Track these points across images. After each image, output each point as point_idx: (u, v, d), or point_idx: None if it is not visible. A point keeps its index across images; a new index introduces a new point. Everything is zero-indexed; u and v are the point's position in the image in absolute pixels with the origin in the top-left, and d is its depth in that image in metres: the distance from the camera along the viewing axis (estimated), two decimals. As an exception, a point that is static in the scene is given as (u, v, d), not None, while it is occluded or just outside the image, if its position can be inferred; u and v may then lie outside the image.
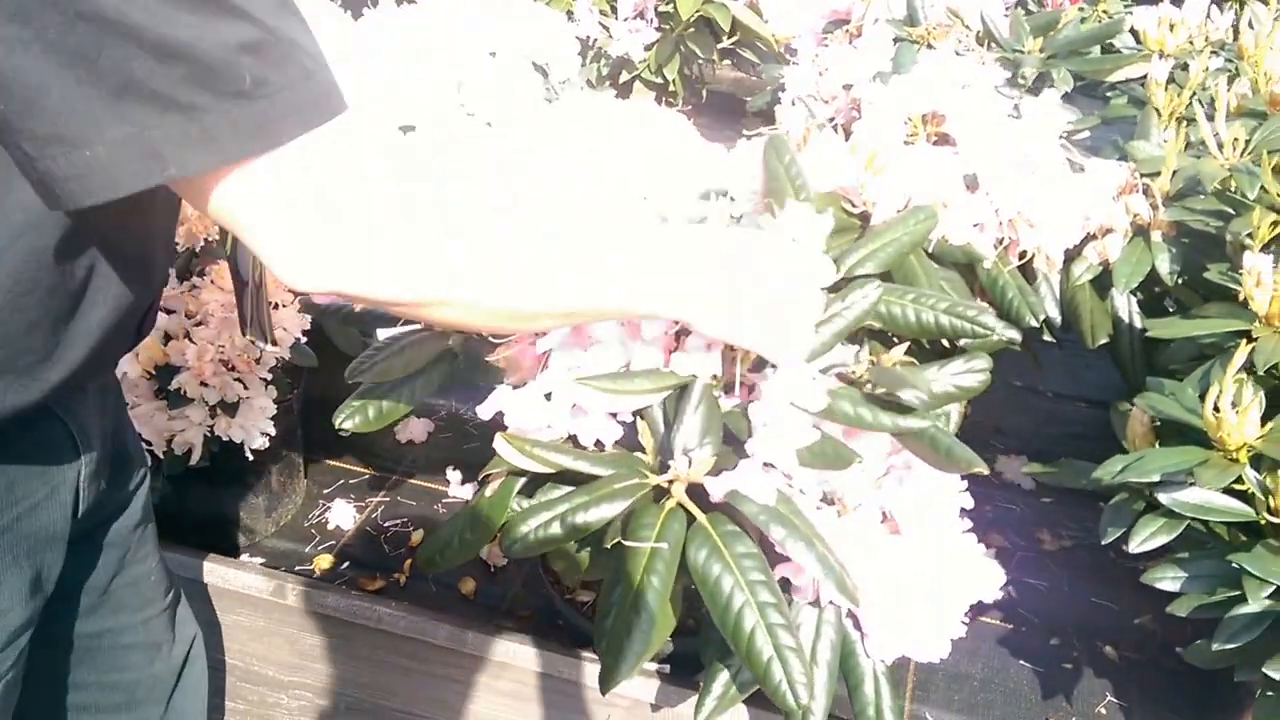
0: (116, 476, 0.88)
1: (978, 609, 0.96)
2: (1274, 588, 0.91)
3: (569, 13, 2.37)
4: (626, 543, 0.85)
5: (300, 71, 0.57)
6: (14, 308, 0.65)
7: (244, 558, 1.49)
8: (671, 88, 2.45)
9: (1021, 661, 1.39)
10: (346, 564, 1.51)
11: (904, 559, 0.92)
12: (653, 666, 1.24)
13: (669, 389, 0.90)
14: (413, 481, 1.67)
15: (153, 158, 0.54)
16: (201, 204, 0.59)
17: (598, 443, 0.91)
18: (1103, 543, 1.04)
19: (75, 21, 0.51)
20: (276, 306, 1.35)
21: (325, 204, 0.60)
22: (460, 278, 0.68)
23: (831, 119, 1.56)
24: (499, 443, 0.90)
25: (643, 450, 0.94)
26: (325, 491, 1.64)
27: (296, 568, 1.48)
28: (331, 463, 1.69)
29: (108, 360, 0.80)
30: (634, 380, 0.88)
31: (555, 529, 0.86)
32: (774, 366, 0.89)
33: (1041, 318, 1.28)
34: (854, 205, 1.28)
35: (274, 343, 1.32)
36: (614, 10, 2.40)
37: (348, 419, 0.99)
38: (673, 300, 0.81)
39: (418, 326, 1.03)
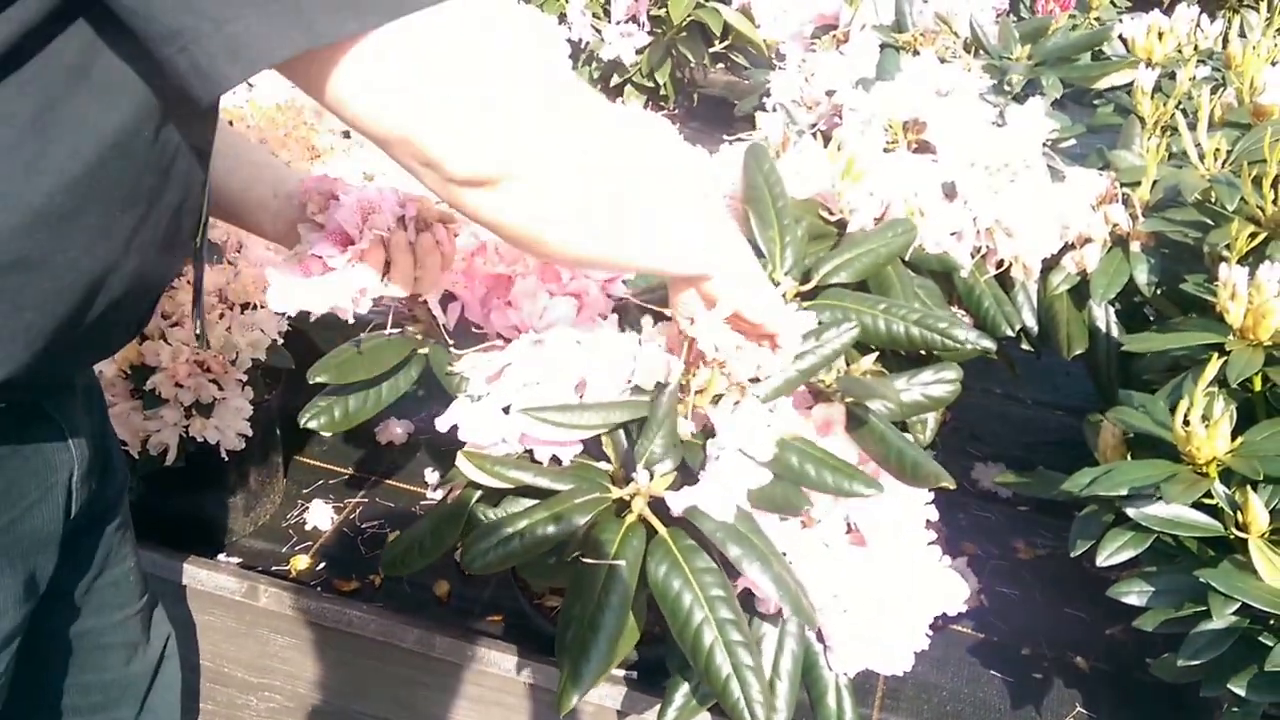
0: (102, 477, 0.88)
1: (949, 617, 0.96)
2: (1239, 604, 0.90)
3: (562, 16, 2.37)
4: (585, 560, 0.85)
5: None
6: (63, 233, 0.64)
7: (221, 558, 1.48)
8: (663, 91, 2.45)
9: (991, 671, 1.38)
10: (323, 565, 1.50)
11: (868, 571, 0.92)
12: (620, 673, 1.24)
13: (618, 424, 0.89)
14: (391, 483, 1.67)
15: (302, 27, 0.54)
16: (326, 79, 0.58)
17: (556, 458, 0.90)
18: (1072, 555, 1.03)
19: None
20: (245, 309, 1.35)
21: (461, 70, 0.60)
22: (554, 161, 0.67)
23: (814, 125, 1.56)
24: (460, 460, 0.89)
25: (607, 459, 0.93)
26: (304, 492, 1.64)
27: (273, 568, 1.48)
28: (311, 463, 1.69)
29: (110, 342, 0.79)
30: (583, 414, 0.87)
31: (515, 545, 0.86)
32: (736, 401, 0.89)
33: (1018, 327, 1.28)
34: (831, 212, 1.28)
35: (208, 345, 1.32)
36: (607, 14, 2.40)
37: (313, 419, 0.98)
38: (719, 254, 0.83)
39: (387, 330, 1.03)
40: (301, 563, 1.50)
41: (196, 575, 1.35)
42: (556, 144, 0.66)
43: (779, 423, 0.90)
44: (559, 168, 0.67)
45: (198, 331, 0.92)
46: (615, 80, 2.41)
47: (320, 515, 1.59)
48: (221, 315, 1.33)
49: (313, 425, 0.97)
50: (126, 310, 0.75)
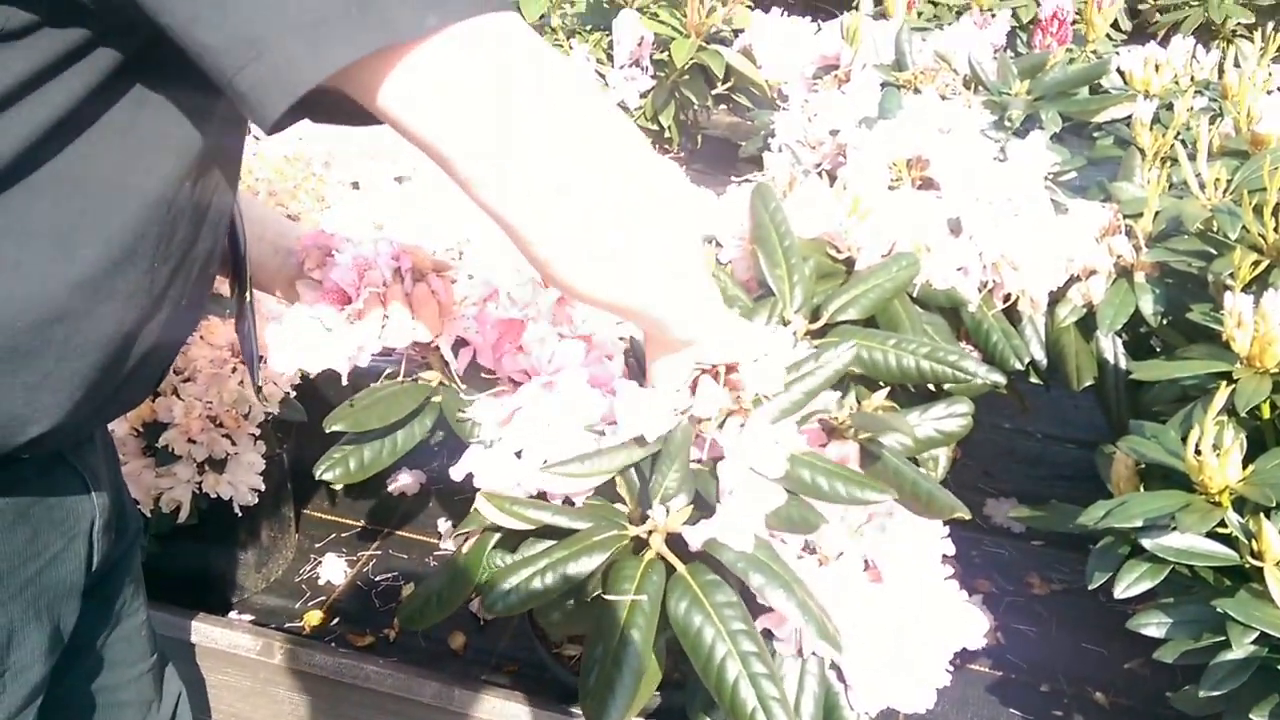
0: (118, 529, 0.89)
1: (966, 656, 0.96)
2: (1258, 633, 0.90)
3: (564, 61, 2.39)
4: (606, 596, 0.85)
5: None
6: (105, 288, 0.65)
7: (233, 615, 1.48)
8: (667, 134, 2.47)
9: (1011, 709, 1.37)
10: (337, 620, 1.50)
11: (887, 608, 0.92)
12: (640, 720, 1.24)
13: (635, 463, 0.90)
14: (404, 534, 1.67)
15: (384, 25, 0.54)
16: (394, 95, 0.58)
17: (569, 499, 0.91)
18: (1089, 588, 1.03)
19: None
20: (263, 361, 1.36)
21: (508, 77, 0.60)
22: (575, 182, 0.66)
23: (818, 164, 1.57)
24: (480, 501, 0.90)
25: (622, 500, 0.94)
26: (316, 546, 1.64)
27: (286, 625, 1.48)
28: (323, 516, 1.69)
29: (136, 395, 0.80)
30: (599, 460, 0.88)
31: (536, 585, 0.86)
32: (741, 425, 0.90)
33: (1026, 360, 1.29)
34: (839, 250, 1.29)
35: (264, 396, 1.34)
36: (610, 59, 2.42)
37: (328, 470, 0.99)
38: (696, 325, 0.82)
39: (400, 379, 1.04)
40: (315, 618, 1.50)
41: (209, 633, 1.35)
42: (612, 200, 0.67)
43: (787, 439, 0.90)
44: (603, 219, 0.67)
45: (258, 384, 0.93)
46: (619, 124, 2.43)
47: (333, 569, 1.59)
48: (234, 370, 1.34)
49: (328, 477, 0.98)
50: (155, 362, 0.76)
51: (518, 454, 0.90)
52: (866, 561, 0.95)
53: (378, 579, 1.57)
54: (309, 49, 0.53)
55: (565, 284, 0.71)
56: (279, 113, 0.54)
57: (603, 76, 2.40)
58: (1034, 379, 1.34)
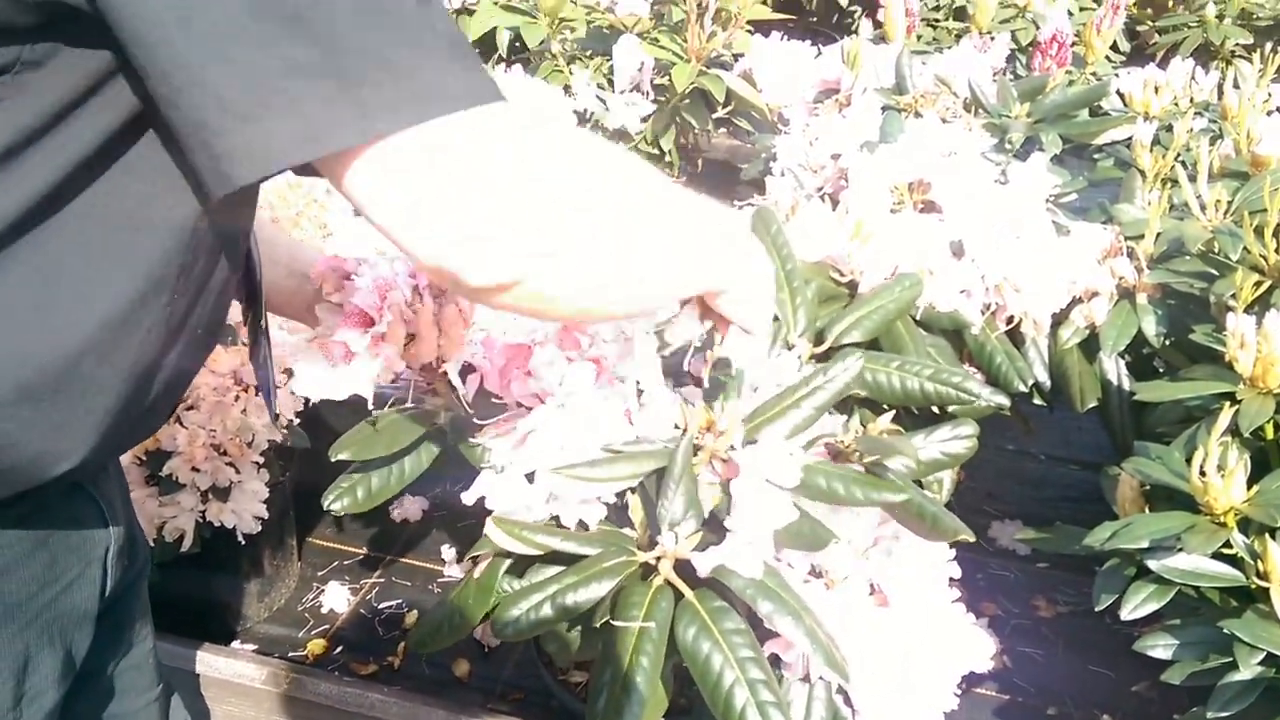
0: (130, 555, 0.89)
1: (973, 679, 0.95)
2: (1265, 654, 0.90)
3: (566, 87, 2.41)
4: (615, 622, 0.85)
5: (450, 57, 0.58)
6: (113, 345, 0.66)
7: (236, 644, 1.48)
8: (668, 158, 2.48)
9: (1019, 733, 1.37)
10: (340, 648, 1.50)
11: (894, 632, 0.92)
12: (647, 746, 1.23)
13: (647, 474, 0.90)
14: (407, 561, 1.66)
15: (307, 135, 0.53)
16: (348, 173, 0.57)
17: (583, 522, 0.91)
18: (1096, 609, 1.03)
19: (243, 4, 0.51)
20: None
21: (478, 179, 0.59)
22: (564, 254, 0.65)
23: (820, 188, 1.58)
24: (489, 527, 0.90)
25: (631, 525, 0.94)
26: (319, 574, 1.63)
27: (290, 653, 1.47)
28: (325, 544, 1.69)
29: (154, 425, 0.81)
30: (611, 466, 0.88)
31: (546, 610, 0.86)
32: (753, 443, 0.90)
33: (1030, 382, 1.29)
34: (842, 274, 1.30)
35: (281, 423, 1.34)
36: (611, 84, 2.44)
37: (337, 499, 0.99)
38: (721, 275, 0.81)
39: (405, 406, 1.04)
40: (318, 647, 1.49)
41: (214, 663, 1.34)
42: (573, 244, 0.65)
43: (800, 451, 0.90)
44: (575, 263, 0.66)
45: (275, 412, 0.93)
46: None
47: (336, 597, 1.58)
48: (237, 398, 1.34)
49: (336, 507, 0.98)
50: (173, 390, 0.76)
51: (529, 477, 0.90)
52: (873, 585, 0.95)
53: (381, 607, 1.57)
54: (293, 130, 0.53)
55: (599, 316, 0.71)
56: (244, 183, 0.55)
57: (604, 101, 2.42)
58: (1038, 401, 1.34)
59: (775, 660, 0.90)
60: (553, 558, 0.92)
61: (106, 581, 0.80)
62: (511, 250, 0.62)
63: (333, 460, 0.97)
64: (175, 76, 0.52)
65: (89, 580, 0.78)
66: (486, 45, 2.62)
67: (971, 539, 0.90)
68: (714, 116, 2.45)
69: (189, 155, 0.56)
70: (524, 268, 0.63)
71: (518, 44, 2.55)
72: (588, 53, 2.52)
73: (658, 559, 0.89)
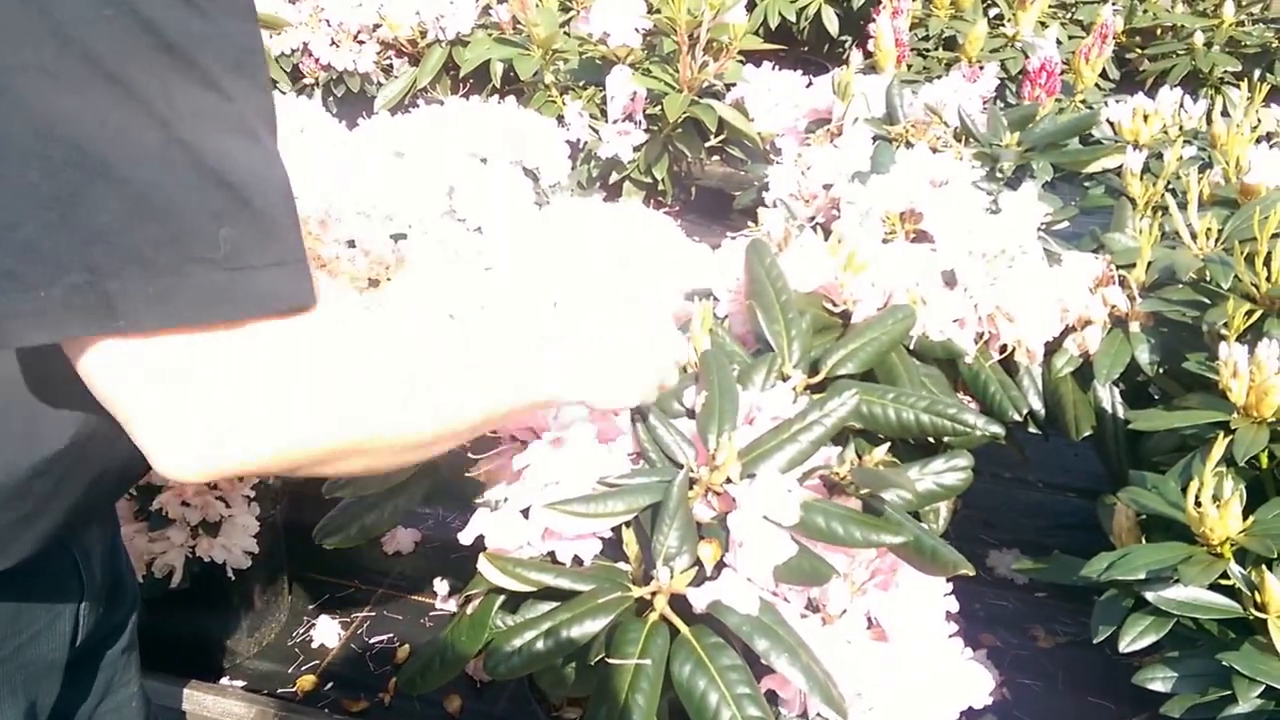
0: (112, 601, 0.88)
1: (972, 714, 0.95)
2: (1264, 687, 0.89)
3: (559, 117, 2.42)
4: (610, 660, 0.84)
5: (280, 255, 0.55)
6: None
7: (225, 681, 1.46)
8: (661, 186, 2.49)
9: (1019, 766, 1.36)
10: (330, 684, 1.48)
11: (892, 667, 0.91)
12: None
13: (642, 509, 0.90)
14: (399, 594, 1.65)
15: (104, 307, 0.51)
16: (99, 371, 0.54)
17: (578, 558, 0.91)
18: (1094, 641, 1.02)
19: (63, 168, 0.49)
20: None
21: (240, 397, 0.55)
22: (363, 439, 0.61)
23: (812, 218, 1.59)
24: (482, 563, 0.89)
25: (626, 559, 0.94)
26: (310, 608, 1.62)
27: (279, 689, 1.46)
28: (316, 577, 1.67)
29: (118, 497, 0.81)
30: (606, 502, 0.88)
31: (539, 647, 0.85)
32: (750, 477, 0.89)
33: (1025, 411, 1.29)
34: (835, 304, 1.30)
35: None
36: (603, 114, 2.45)
37: (329, 536, 0.99)
38: (558, 381, 0.80)
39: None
40: (308, 683, 1.48)
41: (202, 701, 1.33)
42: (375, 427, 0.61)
43: (798, 488, 0.90)
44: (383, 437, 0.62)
45: None
46: (614, 177, 2.46)
47: (327, 632, 1.57)
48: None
49: (329, 543, 0.97)
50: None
51: (524, 513, 0.90)
52: (870, 620, 0.95)
53: (372, 641, 1.56)
54: (28, 316, 0.51)
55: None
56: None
57: (596, 131, 2.43)
58: (1033, 429, 1.34)
59: (772, 697, 0.89)
60: (547, 593, 0.92)
61: (78, 632, 0.79)
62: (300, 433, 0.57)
63: (327, 497, 0.97)
64: None
65: (57, 632, 0.77)
66: (480, 77, 2.64)
67: (971, 573, 0.89)
68: (707, 145, 2.47)
69: None
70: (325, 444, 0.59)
71: (511, 75, 2.56)
72: (581, 84, 2.53)
73: (653, 594, 0.88)
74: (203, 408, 0.54)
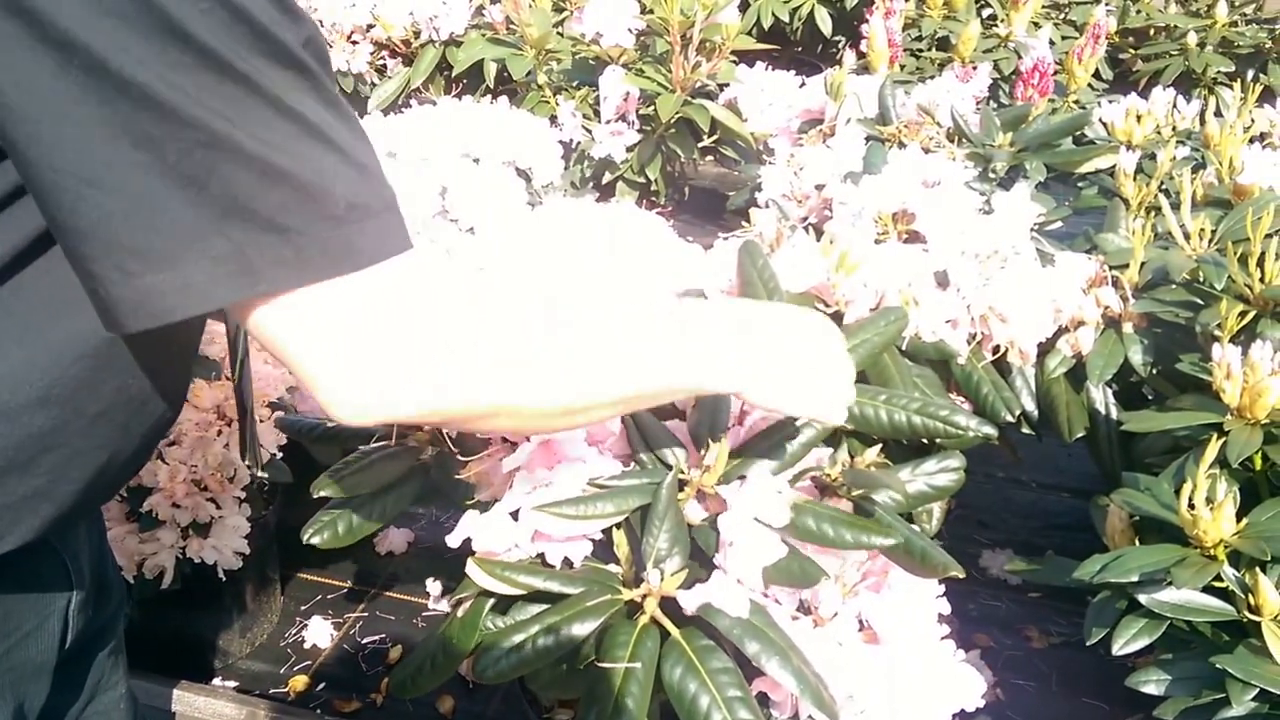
0: (99, 603, 0.87)
1: (964, 716, 0.94)
2: (1258, 690, 0.89)
3: (552, 118, 2.42)
4: (600, 664, 0.84)
5: (383, 203, 0.60)
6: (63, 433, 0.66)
7: (217, 681, 1.46)
8: (654, 186, 2.49)
9: (1013, 767, 1.36)
10: (322, 685, 1.48)
11: (883, 669, 0.91)
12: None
13: (632, 510, 0.89)
14: (392, 594, 1.64)
15: (246, 274, 0.56)
16: (265, 325, 0.59)
17: (568, 560, 0.90)
18: (1088, 643, 1.02)
19: (194, 148, 0.53)
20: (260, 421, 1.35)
21: (392, 330, 0.61)
22: (516, 389, 0.67)
23: (805, 219, 1.58)
24: (470, 567, 0.89)
25: (617, 561, 0.93)
26: (302, 608, 1.61)
27: (271, 690, 1.45)
28: (309, 577, 1.67)
29: (115, 490, 0.80)
30: (595, 504, 0.87)
31: (528, 651, 0.85)
32: (740, 478, 0.89)
33: (1017, 412, 1.28)
34: (827, 305, 1.29)
35: (262, 468, 1.32)
36: (597, 114, 2.44)
37: (315, 534, 0.98)
38: (721, 372, 0.80)
39: (388, 442, 1.03)
40: (300, 684, 1.47)
41: (193, 702, 1.33)
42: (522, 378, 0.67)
43: (788, 488, 0.90)
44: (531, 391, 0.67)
45: (249, 460, 0.93)
46: (607, 177, 2.45)
47: (319, 632, 1.56)
48: (220, 432, 1.33)
49: (315, 541, 0.96)
50: (144, 457, 0.77)
51: (514, 515, 0.89)
52: (862, 622, 0.94)
53: (365, 641, 1.55)
54: (190, 283, 0.55)
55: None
56: (141, 328, 0.57)
57: (589, 131, 2.42)
58: (1026, 430, 1.34)
59: (763, 699, 0.89)
60: (538, 595, 0.91)
61: (67, 634, 0.79)
62: (461, 378, 0.64)
63: (315, 496, 0.96)
64: (76, 219, 0.54)
65: (47, 633, 0.76)
66: (473, 77, 2.64)
67: (961, 575, 0.89)
68: (700, 145, 2.47)
69: (108, 289, 0.57)
70: (481, 391, 0.65)
71: (505, 75, 2.56)
72: (573, 84, 2.53)
73: (643, 597, 0.88)
74: (365, 351, 0.60)
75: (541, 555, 0.90)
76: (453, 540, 0.91)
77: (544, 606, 0.89)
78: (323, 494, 0.97)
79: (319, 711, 1.38)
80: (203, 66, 0.53)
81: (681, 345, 0.77)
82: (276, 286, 0.57)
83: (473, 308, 0.64)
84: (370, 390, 0.61)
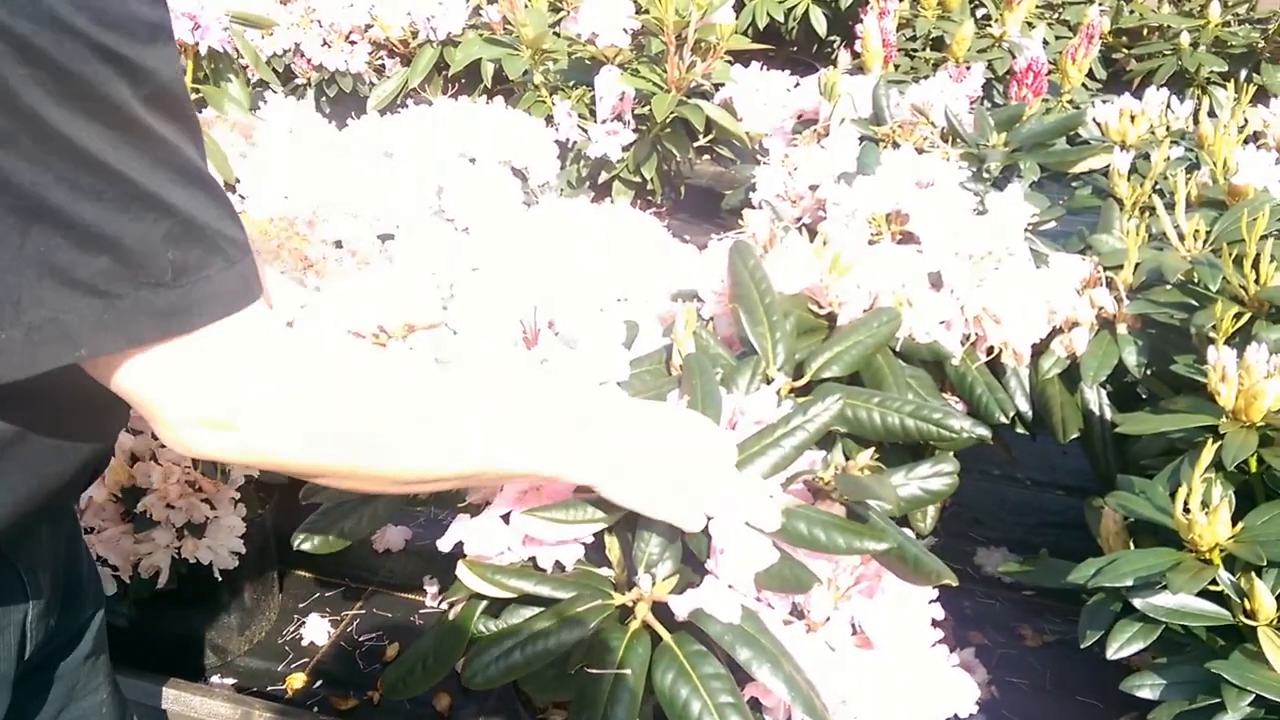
0: (68, 609, 0.86)
1: (958, 716, 0.94)
2: (1254, 695, 0.89)
3: (548, 118, 2.41)
4: (591, 670, 0.83)
5: (222, 261, 0.59)
6: None
7: (215, 679, 1.46)
8: (650, 186, 2.48)
9: (1007, 767, 1.36)
10: (320, 682, 1.48)
11: (876, 675, 0.90)
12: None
13: (623, 514, 0.89)
14: (389, 591, 1.65)
15: (65, 339, 0.55)
16: (105, 378, 0.60)
17: (559, 563, 0.90)
18: (1082, 646, 1.02)
19: (6, 213, 0.52)
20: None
21: (229, 384, 0.61)
22: (361, 448, 0.68)
23: (799, 219, 1.58)
24: (461, 570, 0.88)
25: (609, 564, 0.93)
26: (300, 606, 1.62)
27: (269, 687, 1.45)
28: (306, 575, 1.67)
29: (64, 504, 0.80)
30: (586, 509, 0.87)
31: (516, 657, 0.84)
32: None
33: (1011, 414, 1.28)
34: (820, 306, 1.29)
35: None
36: (592, 114, 2.44)
37: (306, 540, 0.97)
38: (578, 465, 0.81)
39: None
40: (298, 681, 1.47)
41: (189, 702, 1.32)
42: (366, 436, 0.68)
43: (781, 494, 0.89)
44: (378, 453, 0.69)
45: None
46: (603, 177, 2.45)
47: (316, 629, 1.56)
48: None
49: (306, 548, 0.96)
50: (82, 479, 0.77)
51: (505, 518, 0.89)
52: (854, 627, 0.94)
53: (362, 638, 1.55)
54: (10, 350, 0.55)
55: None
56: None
57: (585, 131, 2.42)
58: (1020, 430, 1.33)
59: (755, 705, 0.89)
60: (529, 598, 0.90)
61: (25, 645, 0.78)
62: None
63: (304, 503, 0.96)
64: None
65: (3, 645, 0.75)
66: (471, 77, 2.63)
67: (954, 584, 0.88)
68: (695, 145, 2.46)
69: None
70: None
71: (502, 75, 2.55)
72: (569, 84, 2.53)
73: (635, 602, 0.87)
74: (187, 404, 0.61)
75: (533, 559, 0.89)
76: (444, 544, 0.90)
77: (536, 609, 0.89)
78: (314, 500, 0.96)
79: (316, 709, 1.38)
80: (23, 130, 0.51)
81: (511, 427, 0.77)
82: (96, 352, 0.56)
83: (295, 372, 0.64)
84: (195, 438, 0.62)
